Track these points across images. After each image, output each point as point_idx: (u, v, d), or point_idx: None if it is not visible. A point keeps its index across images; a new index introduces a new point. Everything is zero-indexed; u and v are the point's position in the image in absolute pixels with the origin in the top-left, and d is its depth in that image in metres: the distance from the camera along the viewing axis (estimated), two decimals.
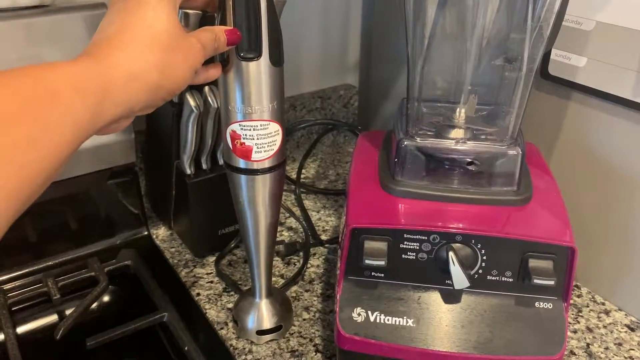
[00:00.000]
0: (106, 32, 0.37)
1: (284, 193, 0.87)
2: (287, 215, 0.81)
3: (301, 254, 0.75)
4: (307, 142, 1.00)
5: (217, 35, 0.43)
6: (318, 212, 0.85)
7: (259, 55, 0.48)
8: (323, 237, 0.79)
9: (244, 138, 0.51)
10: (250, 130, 0.51)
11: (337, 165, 0.98)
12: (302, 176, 0.92)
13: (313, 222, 0.82)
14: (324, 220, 0.83)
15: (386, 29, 0.94)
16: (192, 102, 0.64)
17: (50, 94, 0.30)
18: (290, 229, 0.81)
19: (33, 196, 0.30)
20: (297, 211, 0.83)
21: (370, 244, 0.51)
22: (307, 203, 0.87)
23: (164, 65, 0.37)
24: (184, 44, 0.39)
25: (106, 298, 0.70)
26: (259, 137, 0.51)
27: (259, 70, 0.48)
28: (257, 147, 0.51)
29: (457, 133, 0.55)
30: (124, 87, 0.35)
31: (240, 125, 0.50)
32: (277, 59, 0.49)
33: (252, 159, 0.52)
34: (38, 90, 0.30)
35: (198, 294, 0.68)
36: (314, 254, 0.76)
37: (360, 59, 1.02)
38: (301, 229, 0.79)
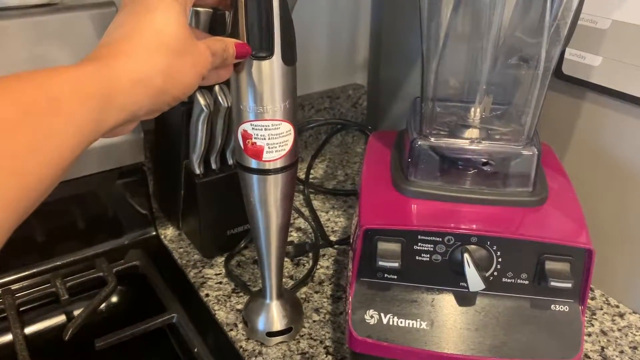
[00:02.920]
0: (114, 35, 0.36)
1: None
2: (296, 215, 0.81)
3: (310, 255, 0.75)
4: (315, 142, 1.00)
5: (227, 46, 0.43)
6: (327, 212, 0.84)
7: (271, 54, 0.47)
8: (332, 238, 0.78)
9: (255, 138, 0.50)
10: (261, 130, 0.50)
11: (345, 166, 0.97)
12: (310, 176, 0.91)
13: (322, 222, 0.81)
14: (333, 221, 0.82)
15: (396, 28, 0.93)
16: (202, 101, 0.63)
17: (52, 101, 0.29)
18: (299, 229, 0.80)
19: (34, 204, 0.30)
20: (305, 212, 0.83)
21: (383, 245, 0.50)
22: (316, 203, 0.86)
23: (171, 70, 0.36)
24: (193, 50, 0.38)
25: (114, 299, 0.70)
26: (271, 137, 0.50)
27: (271, 70, 0.48)
28: (269, 147, 0.51)
29: (471, 133, 0.54)
30: (129, 92, 0.34)
31: (251, 124, 0.50)
32: (289, 58, 0.48)
33: (263, 159, 0.51)
34: (40, 98, 0.29)
35: (207, 295, 0.68)
36: (323, 255, 0.75)
37: (369, 58, 1.02)
38: (310, 230, 0.78)
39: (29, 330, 0.64)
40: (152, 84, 0.35)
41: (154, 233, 0.78)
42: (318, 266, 0.73)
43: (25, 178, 0.28)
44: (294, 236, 0.79)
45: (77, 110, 0.31)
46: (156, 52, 0.36)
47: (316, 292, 0.69)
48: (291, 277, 0.71)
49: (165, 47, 0.36)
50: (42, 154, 0.29)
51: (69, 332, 0.60)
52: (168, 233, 0.79)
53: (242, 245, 0.75)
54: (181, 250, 0.76)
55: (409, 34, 0.90)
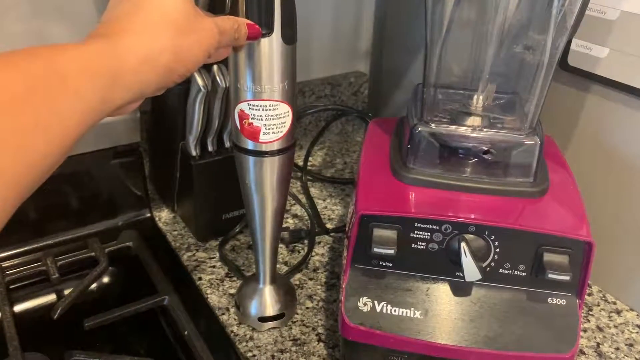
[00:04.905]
0: (117, 11, 0.35)
1: (290, 180, 0.85)
2: (293, 202, 0.80)
3: (306, 241, 0.74)
4: (315, 129, 0.98)
5: (240, 25, 0.42)
6: (324, 200, 0.83)
7: (270, 31, 0.46)
8: (328, 226, 0.77)
9: (252, 118, 0.49)
10: (259, 110, 0.49)
11: (344, 154, 0.96)
12: (309, 164, 0.90)
13: (319, 210, 0.80)
14: (330, 208, 0.81)
15: (400, 16, 0.92)
16: (200, 82, 0.62)
17: (59, 77, 0.29)
18: (295, 216, 0.79)
19: (37, 182, 0.29)
20: (303, 199, 0.82)
21: (379, 232, 0.49)
22: (314, 191, 0.85)
23: (177, 48, 0.36)
24: (199, 26, 0.37)
25: (106, 279, 0.69)
26: (268, 117, 0.49)
27: (270, 48, 0.47)
28: (266, 128, 0.50)
29: (473, 120, 0.53)
30: (136, 71, 0.33)
31: (249, 104, 0.49)
32: (289, 37, 0.47)
33: (260, 140, 0.50)
34: (47, 74, 0.28)
35: (200, 279, 0.67)
36: (319, 243, 0.74)
37: (372, 45, 1.00)
38: (306, 217, 0.77)
39: (18, 308, 0.63)
40: (160, 62, 0.35)
41: (149, 215, 0.77)
42: (313, 253, 0.72)
43: (29, 155, 0.27)
44: (290, 222, 0.78)
45: (85, 88, 0.30)
46: (163, 29, 0.35)
47: (310, 279, 0.68)
48: (286, 264, 0.70)
49: (172, 25, 0.35)
50: (47, 131, 0.28)
51: (58, 311, 0.59)
52: (163, 215, 0.78)
53: (237, 230, 0.74)
54: (175, 232, 0.75)
55: (412, 22, 0.89)
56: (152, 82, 0.35)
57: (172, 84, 0.37)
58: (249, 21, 0.44)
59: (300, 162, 0.89)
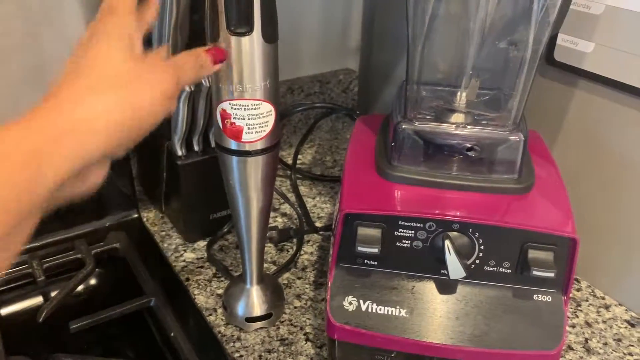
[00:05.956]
0: (64, 77, 0.34)
1: (279, 178, 0.85)
2: (282, 201, 0.79)
3: (294, 240, 0.74)
4: (305, 127, 0.98)
5: (200, 55, 0.42)
6: (313, 198, 0.83)
7: (250, 30, 0.45)
8: (318, 224, 0.77)
9: (234, 118, 0.49)
10: (240, 109, 0.48)
11: (334, 152, 0.96)
12: (298, 162, 0.90)
13: (308, 208, 0.80)
14: (319, 207, 0.81)
15: (389, 12, 0.91)
16: None
17: None
18: (284, 215, 0.79)
19: None
20: (292, 197, 0.81)
21: (363, 231, 0.49)
22: (303, 189, 0.85)
23: (125, 101, 0.34)
24: (146, 71, 0.36)
25: (93, 281, 0.69)
26: (250, 117, 0.49)
27: (251, 47, 0.46)
28: (248, 128, 0.49)
29: (457, 117, 0.53)
30: (72, 140, 0.31)
31: (230, 104, 0.48)
32: (270, 35, 0.47)
33: (242, 140, 0.50)
34: None
35: (187, 279, 0.67)
36: (308, 241, 0.74)
37: (361, 42, 1.00)
38: (295, 216, 0.77)
39: (3, 311, 0.63)
40: (109, 122, 0.33)
41: (136, 215, 0.77)
42: (302, 252, 0.72)
43: None
44: (279, 221, 0.77)
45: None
46: (103, 90, 0.34)
47: (299, 278, 0.67)
48: (274, 263, 0.70)
49: (114, 82, 0.34)
50: None
51: (44, 313, 0.59)
52: (150, 216, 0.78)
53: (225, 230, 0.73)
54: (163, 233, 0.75)
55: (401, 19, 0.88)
56: (99, 145, 0.33)
57: (139, 138, 0.36)
58: (207, 47, 0.43)
59: (290, 160, 0.88)
